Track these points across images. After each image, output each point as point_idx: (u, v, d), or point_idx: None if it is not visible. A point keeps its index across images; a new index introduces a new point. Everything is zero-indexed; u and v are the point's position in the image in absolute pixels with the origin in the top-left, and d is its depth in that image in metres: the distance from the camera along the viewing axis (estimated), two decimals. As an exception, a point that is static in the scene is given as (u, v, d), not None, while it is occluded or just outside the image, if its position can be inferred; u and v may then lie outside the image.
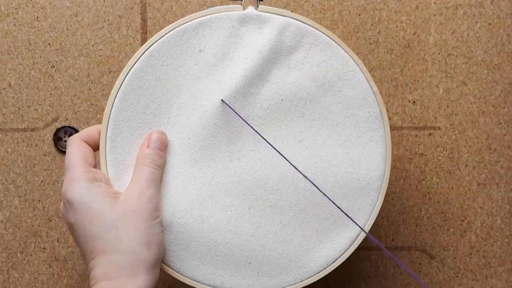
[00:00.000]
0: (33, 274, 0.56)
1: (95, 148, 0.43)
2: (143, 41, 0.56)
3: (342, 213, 0.44)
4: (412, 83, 0.57)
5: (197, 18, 0.43)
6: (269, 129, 0.44)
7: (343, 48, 0.45)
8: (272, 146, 0.44)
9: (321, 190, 0.44)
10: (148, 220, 0.40)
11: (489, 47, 0.57)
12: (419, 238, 0.58)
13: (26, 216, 0.56)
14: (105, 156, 0.43)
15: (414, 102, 0.57)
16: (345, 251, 0.45)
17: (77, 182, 0.40)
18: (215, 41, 0.44)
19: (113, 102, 0.43)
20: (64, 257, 0.56)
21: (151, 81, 0.43)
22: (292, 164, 0.43)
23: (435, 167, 0.58)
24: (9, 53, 0.56)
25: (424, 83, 0.57)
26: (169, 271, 0.43)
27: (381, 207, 0.58)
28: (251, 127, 0.44)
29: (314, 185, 0.43)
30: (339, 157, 0.45)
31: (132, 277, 0.38)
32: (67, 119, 0.56)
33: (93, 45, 0.56)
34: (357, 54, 0.57)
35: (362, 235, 0.45)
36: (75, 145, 0.42)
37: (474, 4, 0.57)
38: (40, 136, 0.56)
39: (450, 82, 0.57)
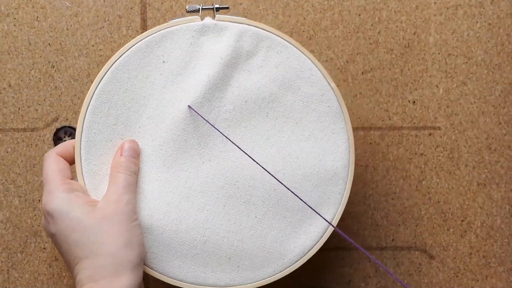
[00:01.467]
0: (33, 274, 0.56)
1: (71, 162, 0.44)
2: (143, 41, 0.56)
3: (313, 204, 0.47)
4: (412, 83, 0.57)
5: (158, 31, 0.46)
6: (236, 130, 0.46)
7: (298, 49, 0.47)
8: (238, 147, 0.46)
9: (290, 183, 0.46)
10: (127, 222, 0.41)
11: (489, 47, 0.57)
12: (419, 238, 0.58)
13: (26, 216, 0.56)
14: (81, 168, 0.44)
15: (414, 102, 0.57)
16: (319, 239, 0.47)
17: (56, 193, 0.41)
18: (177, 51, 0.46)
19: (85, 116, 0.44)
20: (64, 257, 0.57)
21: (119, 94, 0.45)
22: (257, 162, 0.45)
23: (435, 167, 0.58)
24: (9, 53, 0.56)
25: (424, 83, 0.57)
26: (152, 272, 0.44)
27: (381, 207, 0.58)
28: (217, 130, 0.46)
29: (280, 182, 0.44)
30: (305, 151, 0.47)
31: (116, 277, 0.39)
32: (67, 119, 0.56)
33: (93, 45, 0.56)
34: (357, 54, 0.57)
35: (335, 221, 0.47)
36: (51, 160, 0.43)
37: (474, 4, 0.57)
38: (40, 136, 0.56)
39: (450, 82, 0.57)
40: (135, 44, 0.45)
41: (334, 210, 0.47)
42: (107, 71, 0.45)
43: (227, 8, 0.48)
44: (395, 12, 0.57)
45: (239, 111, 0.46)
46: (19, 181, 0.56)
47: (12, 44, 0.56)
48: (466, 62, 0.57)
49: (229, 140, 0.46)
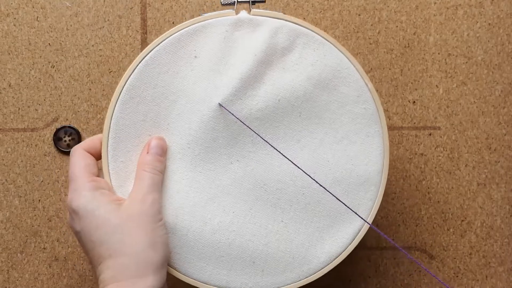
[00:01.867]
0: (33, 274, 0.56)
1: (98, 157, 0.44)
2: (143, 41, 0.56)
3: (342, 209, 0.45)
4: (412, 83, 0.57)
5: (191, 25, 0.44)
6: (267, 130, 0.45)
7: (336, 47, 0.45)
8: (272, 145, 0.44)
9: (320, 188, 0.44)
10: (152, 222, 0.41)
11: (489, 47, 0.57)
12: (419, 238, 0.58)
13: (26, 216, 0.56)
14: (108, 165, 0.43)
15: (414, 102, 0.57)
16: (347, 246, 0.45)
17: (82, 191, 0.41)
18: (210, 46, 0.44)
19: (113, 111, 0.43)
20: (64, 257, 0.56)
21: (149, 89, 0.44)
22: (293, 162, 0.44)
23: (435, 167, 0.58)
24: (9, 53, 0.56)
25: (424, 83, 0.57)
26: (175, 273, 0.44)
27: (381, 207, 0.58)
28: (250, 129, 0.44)
29: (317, 182, 0.43)
30: (337, 154, 0.45)
31: (140, 278, 0.39)
32: (67, 119, 0.56)
33: (93, 45, 0.56)
34: (357, 54, 0.57)
35: (364, 230, 0.45)
36: (78, 156, 0.43)
37: (474, 4, 0.57)
38: (40, 136, 0.56)
39: (450, 82, 0.57)
40: (166, 38, 0.44)
41: (364, 217, 0.45)
42: (137, 65, 0.44)
43: (264, 1, 0.46)
44: (395, 12, 0.57)
45: (271, 110, 0.44)
46: (19, 181, 0.56)
47: (12, 44, 0.56)
48: (466, 62, 0.57)
49: (262, 138, 0.44)
